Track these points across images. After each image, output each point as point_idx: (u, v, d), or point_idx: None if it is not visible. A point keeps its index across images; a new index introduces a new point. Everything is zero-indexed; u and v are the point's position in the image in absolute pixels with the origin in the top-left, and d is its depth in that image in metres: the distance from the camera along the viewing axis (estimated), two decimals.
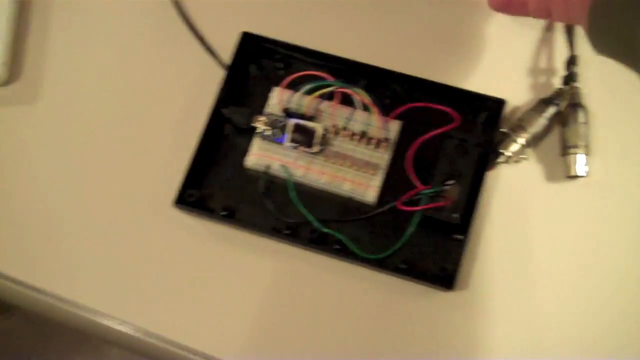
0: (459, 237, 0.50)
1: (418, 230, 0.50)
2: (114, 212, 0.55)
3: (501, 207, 0.52)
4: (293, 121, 0.52)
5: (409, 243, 0.50)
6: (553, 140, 0.53)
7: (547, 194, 0.53)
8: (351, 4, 0.59)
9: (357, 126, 0.53)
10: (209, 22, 0.59)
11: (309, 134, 0.52)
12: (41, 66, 0.59)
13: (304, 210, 0.51)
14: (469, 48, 0.57)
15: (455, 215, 0.49)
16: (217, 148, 0.54)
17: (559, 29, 0.56)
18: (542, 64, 0.56)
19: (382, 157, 0.52)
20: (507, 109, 0.53)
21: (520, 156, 0.53)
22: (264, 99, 0.55)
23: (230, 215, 0.52)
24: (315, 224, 0.51)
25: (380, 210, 0.51)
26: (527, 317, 0.50)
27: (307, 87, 0.53)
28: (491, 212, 0.52)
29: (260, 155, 0.53)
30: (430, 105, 0.53)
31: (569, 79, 0.53)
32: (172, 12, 0.59)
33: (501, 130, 0.52)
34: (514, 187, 0.53)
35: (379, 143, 0.52)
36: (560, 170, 0.52)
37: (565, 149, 0.52)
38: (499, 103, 0.52)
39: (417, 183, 0.51)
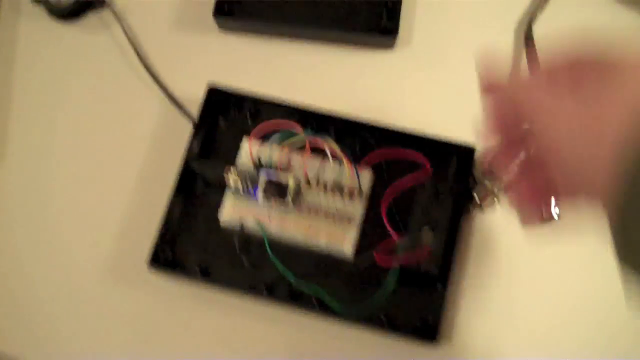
0: (438, 286, 0.50)
1: (397, 282, 0.50)
2: (84, 277, 0.53)
3: (479, 253, 0.52)
4: (265, 175, 0.52)
5: (389, 296, 0.50)
6: None
7: (523, 238, 0.52)
8: (318, 53, 0.59)
9: (329, 177, 0.52)
10: (175, 75, 0.58)
11: (281, 187, 0.51)
12: (5, 126, 0.58)
13: (280, 267, 0.50)
14: (436, 93, 0.57)
15: (434, 266, 0.49)
16: (190, 204, 0.53)
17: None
18: None
19: (356, 208, 0.52)
20: (479, 153, 0.53)
21: (495, 203, 0.53)
22: (235, 150, 0.54)
23: (206, 274, 0.51)
24: (293, 280, 0.50)
25: (358, 267, 0.51)
26: None
27: (278, 138, 0.53)
28: (469, 260, 0.52)
29: (233, 211, 0.52)
30: (402, 154, 0.53)
31: None
32: (138, 67, 0.58)
33: (474, 177, 0.52)
34: (489, 233, 0.53)
35: (351, 193, 0.52)
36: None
37: None
38: (469, 151, 0.52)
39: (393, 233, 0.51)
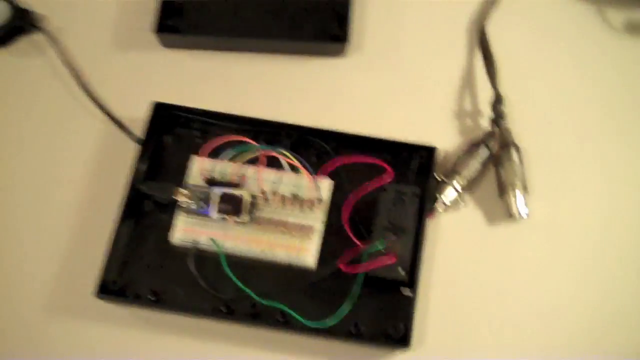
0: (408, 292, 0.47)
1: (364, 291, 0.47)
2: (26, 313, 0.49)
3: (446, 256, 0.50)
4: (218, 191, 0.49)
5: (357, 305, 0.47)
6: (489, 182, 0.52)
7: (490, 238, 0.51)
8: (268, 63, 0.57)
9: (286, 189, 0.50)
10: (118, 96, 0.55)
11: (236, 203, 0.49)
12: None
13: (240, 284, 0.47)
14: (392, 97, 0.55)
15: (402, 271, 0.46)
16: (138, 226, 0.50)
17: (479, 70, 0.55)
18: (468, 106, 0.55)
19: (317, 219, 0.49)
20: (439, 155, 0.51)
21: (459, 202, 0.51)
22: (184, 170, 0.51)
23: (160, 300, 0.48)
24: (254, 297, 0.47)
25: (321, 276, 0.48)
26: None
27: (229, 153, 0.50)
28: (436, 263, 0.50)
29: (186, 231, 0.49)
30: (360, 159, 0.51)
31: (497, 119, 0.52)
32: (76, 89, 0.55)
33: (436, 177, 0.51)
34: (456, 235, 0.51)
35: (311, 204, 0.49)
36: (500, 212, 0.51)
37: (503, 190, 0.50)
38: (429, 150, 0.51)
39: (357, 241, 0.48)
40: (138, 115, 0.52)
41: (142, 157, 0.51)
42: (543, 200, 0.51)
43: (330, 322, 0.46)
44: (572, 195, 0.52)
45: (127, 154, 0.51)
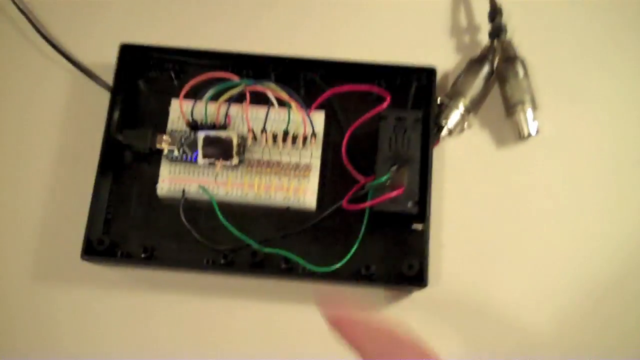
0: (419, 226, 0.44)
1: (371, 230, 0.44)
2: (10, 282, 0.46)
3: (454, 184, 0.47)
4: (202, 134, 0.45)
5: (365, 245, 0.44)
6: (493, 102, 0.48)
7: (500, 160, 0.48)
8: None
9: (276, 126, 0.46)
10: (81, 41, 0.50)
11: (223, 145, 0.45)
12: None
13: (237, 233, 0.43)
14: (381, 17, 0.51)
15: (411, 204, 0.43)
16: (121, 181, 0.46)
17: None
18: (463, 21, 0.50)
19: (313, 155, 0.45)
20: (438, 77, 0.47)
21: (464, 125, 0.47)
22: (163, 116, 0.47)
23: (152, 257, 0.44)
24: (255, 245, 0.43)
25: (324, 214, 0.45)
26: (504, 298, 0.45)
27: (211, 92, 0.46)
28: (445, 192, 0.46)
29: (172, 181, 0.45)
30: (354, 88, 0.46)
31: (496, 32, 0.48)
32: (34, 36, 0.50)
33: (437, 100, 0.47)
34: (463, 160, 0.47)
35: (305, 140, 0.45)
36: (508, 132, 0.47)
37: (511, 108, 0.47)
38: (429, 72, 0.47)
39: (359, 177, 0.45)
40: (109, 61, 0.48)
41: (114, 105, 0.46)
42: (552, 115, 0.48)
43: (338, 265, 0.43)
44: (581, 108, 0.49)
45: (100, 105, 0.47)
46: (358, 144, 0.46)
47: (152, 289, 0.45)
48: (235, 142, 0.45)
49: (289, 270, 0.44)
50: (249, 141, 0.45)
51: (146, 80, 0.48)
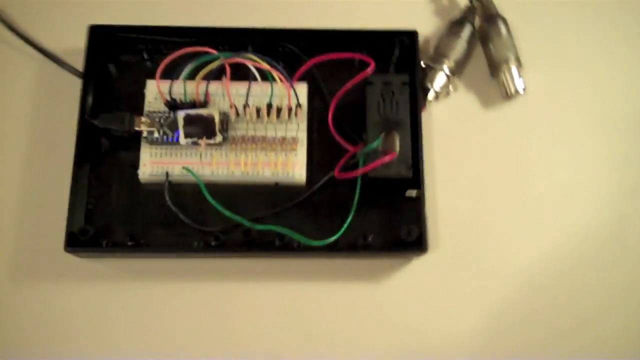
0: (412, 192, 0.43)
1: (364, 200, 0.42)
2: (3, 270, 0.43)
3: (444, 149, 0.46)
4: (182, 113, 0.43)
5: (359, 215, 0.42)
6: (477, 63, 0.47)
7: (488, 121, 0.47)
8: None
9: (258, 101, 0.44)
10: (45, 27, 0.48)
11: (205, 123, 0.43)
12: None
13: (227, 212, 0.41)
14: None
15: (405, 168, 0.42)
16: (99, 169, 0.44)
17: None
18: None
19: (299, 128, 0.44)
20: (419, 41, 0.46)
21: (449, 88, 0.46)
22: (138, 99, 0.44)
23: (140, 244, 0.42)
24: (246, 224, 0.42)
25: (316, 186, 0.43)
26: (504, 258, 0.44)
27: (189, 68, 0.44)
28: (435, 157, 0.45)
29: (154, 164, 0.43)
30: (336, 56, 0.45)
31: None
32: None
33: (421, 64, 0.46)
34: (451, 124, 0.46)
35: (290, 113, 0.44)
36: (494, 92, 0.47)
37: (495, 67, 0.46)
38: (410, 35, 0.45)
39: (348, 146, 0.43)
40: (76, 46, 0.45)
41: (87, 89, 0.44)
42: (536, 73, 0.47)
43: (334, 237, 0.42)
44: (565, 64, 0.48)
45: (72, 93, 0.45)
46: (343, 114, 0.44)
47: (141, 279, 0.43)
48: (217, 119, 0.43)
49: (283, 247, 0.42)
50: (232, 117, 0.44)
51: (117, 64, 0.46)
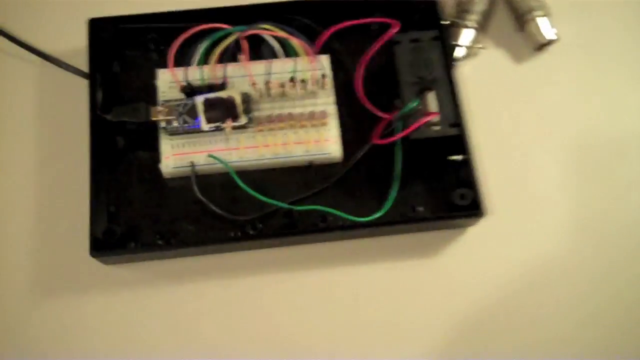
0: (459, 157, 0.39)
1: (407, 170, 0.39)
2: (17, 291, 0.40)
3: (481, 109, 0.43)
4: (200, 97, 0.40)
5: (404, 186, 0.39)
6: (501, 18, 0.45)
7: (524, 76, 0.44)
8: None
9: (282, 75, 0.41)
10: (43, 31, 0.45)
11: (226, 106, 0.40)
12: None
13: (262, 197, 0.38)
14: None
15: (450, 127, 0.39)
16: (118, 168, 0.40)
17: None
18: None
19: (327, 101, 0.41)
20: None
21: (477, 46, 0.44)
22: (150, 91, 0.41)
23: (171, 243, 0.39)
24: (285, 207, 0.38)
25: (356, 158, 0.40)
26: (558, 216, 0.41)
27: (203, 46, 0.41)
28: (474, 118, 0.42)
29: (177, 156, 0.40)
30: (356, 22, 0.41)
31: None
32: None
33: (445, 22, 0.43)
34: (485, 83, 0.44)
35: (315, 85, 0.41)
36: (525, 44, 0.44)
37: (523, 19, 0.43)
38: None
39: (381, 114, 0.40)
40: (77, 46, 0.43)
41: (94, 88, 0.41)
42: (569, 21, 0.45)
43: (382, 211, 0.38)
44: (596, 11, 0.46)
45: (79, 94, 0.42)
46: (369, 82, 0.41)
47: (173, 281, 0.40)
48: (239, 99, 0.40)
49: (327, 229, 0.39)
50: (255, 96, 0.41)
51: (122, 60, 0.43)
